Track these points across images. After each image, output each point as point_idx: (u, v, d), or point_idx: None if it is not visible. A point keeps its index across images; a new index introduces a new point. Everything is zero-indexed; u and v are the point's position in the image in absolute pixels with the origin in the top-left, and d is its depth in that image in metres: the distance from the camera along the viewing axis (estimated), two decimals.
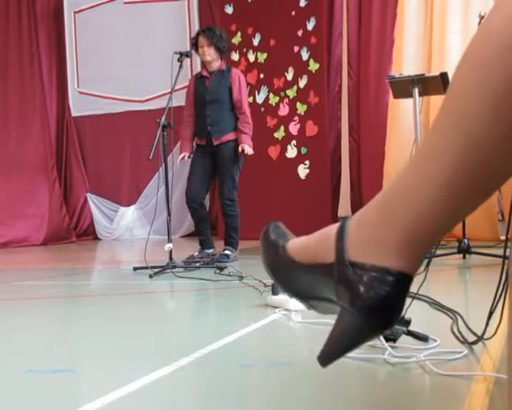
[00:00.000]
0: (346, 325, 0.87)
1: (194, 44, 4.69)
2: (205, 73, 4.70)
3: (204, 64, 4.81)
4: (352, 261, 0.86)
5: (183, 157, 4.70)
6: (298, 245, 0.97)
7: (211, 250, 4.65)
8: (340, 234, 0.88)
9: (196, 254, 4.62)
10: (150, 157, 3.98)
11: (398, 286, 0.83)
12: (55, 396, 1.41)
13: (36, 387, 1.48)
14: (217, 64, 4.69)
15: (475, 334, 1.64)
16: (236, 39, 7.46)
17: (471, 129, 0.73)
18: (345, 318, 0.87)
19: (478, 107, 0.72)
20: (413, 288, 1.77)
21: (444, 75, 4.27)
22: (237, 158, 4.69)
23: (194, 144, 4.75)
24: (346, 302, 0.86)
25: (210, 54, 4.60)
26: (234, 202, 4.65)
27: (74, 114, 8.83)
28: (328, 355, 0.90)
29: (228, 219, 4.66)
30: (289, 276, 0.97)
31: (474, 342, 1.63)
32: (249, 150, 4.61)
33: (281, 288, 1.00)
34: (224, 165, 4.62)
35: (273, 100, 7.28)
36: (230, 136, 4.65)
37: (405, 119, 5.97)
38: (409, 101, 4.90)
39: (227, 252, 4.61)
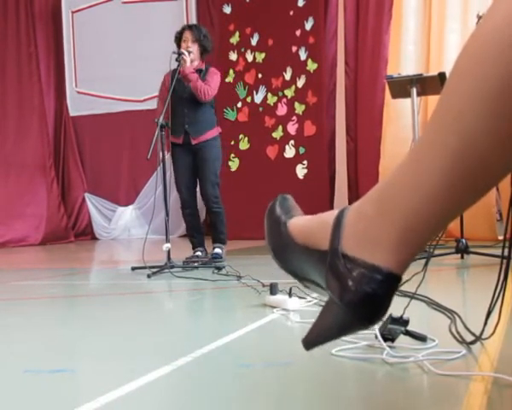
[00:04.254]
0: (331, 315, 0.89)
1: (178, 39, 4.63)
2: None
3: None
4: (345, 253, 0.87)
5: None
6: (299, 226, 0.98)
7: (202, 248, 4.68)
8: (337, 224, 0.89)
9: (199, 254, 4.61)
10: (148, 157, 3.98)
11: (386, 285, 0.83)
12: (54, 396, 1.41)
13: (35, 387, 1.48)
14: (196, 63, 4.62)
15: (473, 334, 1.64)
16: (234, 39, 7.46)
17: (468, 127, 0.73)
18: (331, 308, 0.89)
19: (475, 104, 0.72)
20: (411, 287, 1.78)
21: (442, 75, 4.27)
22: (218, 155, 4.67)
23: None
24: (334, 293, 0.88)
25: (193, 51, 4.55)
26: (218, 198, 4.63)
27: (72, 113, 8.83)
28: (312, 342, 0.94)
29: (215, 216, 4.64)
30: (287, 255, 0.98)
31: (473, 342, 1.62)
32: (186, 68, 4.44)
33: (278, 264, 1.01)
34: (205, 164, 4.58)
35: (271, 100, 7.28)
36: (210, 134, 4.61)
37: (401, 118, 5.97)
38: (405, 100, 4.91)
39: (218, 250, 4.61)
